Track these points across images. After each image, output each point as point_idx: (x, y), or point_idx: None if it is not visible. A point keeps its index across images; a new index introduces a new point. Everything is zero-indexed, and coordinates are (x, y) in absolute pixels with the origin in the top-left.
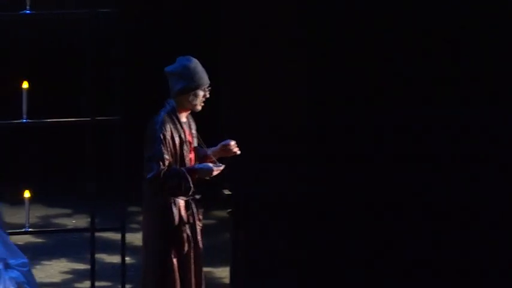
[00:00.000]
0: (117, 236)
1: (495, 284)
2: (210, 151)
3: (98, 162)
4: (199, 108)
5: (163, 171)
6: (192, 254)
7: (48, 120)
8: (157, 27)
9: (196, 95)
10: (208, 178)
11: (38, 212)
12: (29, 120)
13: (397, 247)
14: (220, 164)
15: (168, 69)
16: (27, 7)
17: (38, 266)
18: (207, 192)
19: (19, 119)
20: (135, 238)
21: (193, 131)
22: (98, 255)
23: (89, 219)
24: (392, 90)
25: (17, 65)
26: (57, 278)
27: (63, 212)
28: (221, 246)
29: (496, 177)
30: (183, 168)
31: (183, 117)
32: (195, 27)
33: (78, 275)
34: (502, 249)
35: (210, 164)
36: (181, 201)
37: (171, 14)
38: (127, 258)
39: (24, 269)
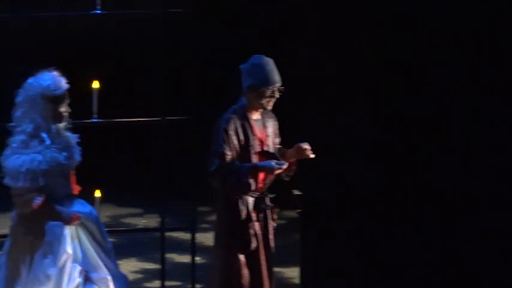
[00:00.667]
0: (187, 236)
1: None
2: (284, 152)
3: (168, 161)
4: (268, 107)
5: (223, 166)
6: (261, 251)
7: (119, 120)
8: (229, 27)
9: (262, 94)
10: (273, 176)
11: (109, 212)
12: (100, 120)
13: (468, 248)
14: (283, 162)
15: (241, 66)
16: (98, 7)
17: None
18: (277, 192)
19: (89, 119)
20: (205, 238)
21: (269, 130)
22: (168, 255)
23: (159, 219)
24: (460, 93)
25: (88, 64)
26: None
27: (133, 212)
28: (291, 246)
29: None
30: (243, 165)
31: (255, 115)
32: (268, 27)
33: (148, 275)
34: None
35: (273, 162)
36: (250, 199)
37: (243, 13)
38: (197, 258)
39: (104, 284)
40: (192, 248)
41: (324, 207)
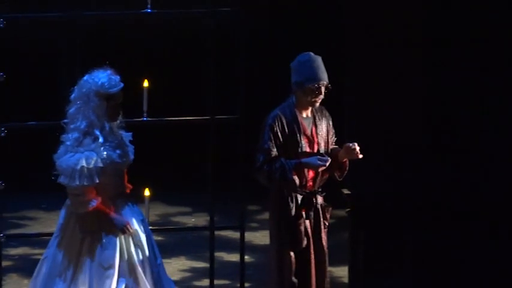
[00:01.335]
0: (236, 235)
1: None
2: (337, 151)
3: (218, 160)
4: (315, 104)
5: (267, 162)
6: (312, 249)
7: (169, 118)
8: (278, 25)
9: (308, 91)
10: (317, 171)
11: (158, 210)
12: (150, 119)
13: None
14: (327, 158)
15: (291, 64)
16: (148, 6)
17: None
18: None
19: (139, 118)
20: (254, 237)
21: (321, 129)
22: (217, 254)
23: (208, 218)
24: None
25: (138, 63)
26: (176, 276)
27: (182, 211)
28: (340, 246)
29: None
30: (288, 161)
31: (304, 112)
32: (317, 25)
33: (197, 273)
34: None
35: (315, 158)
36: (299, 196)
37: (293, 11)
38: (246, 257)
39: None
40: (241, 246)
41: (373, 206)
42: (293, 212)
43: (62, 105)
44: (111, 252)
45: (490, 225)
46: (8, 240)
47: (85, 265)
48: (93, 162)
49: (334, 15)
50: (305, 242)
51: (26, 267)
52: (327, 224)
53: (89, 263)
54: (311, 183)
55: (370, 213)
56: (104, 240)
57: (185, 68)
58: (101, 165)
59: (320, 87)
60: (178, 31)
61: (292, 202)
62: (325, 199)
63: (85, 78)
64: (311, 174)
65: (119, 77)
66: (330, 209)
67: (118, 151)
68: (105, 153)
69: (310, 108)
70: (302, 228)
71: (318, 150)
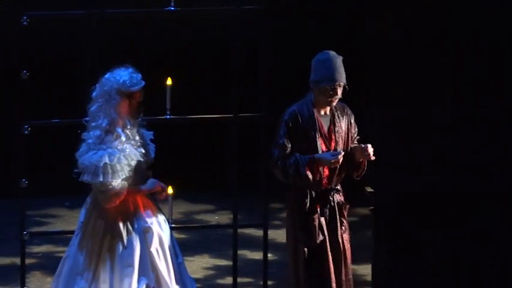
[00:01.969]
0: (259, 233)
1: None
2: (355, 151)
3: (241, 158)
4: (331, 103)
5: (282, 157)
6: (327, 246)
7: (192, 116)
8: (302, 23)
9: (323, 90)
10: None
11: (181, 208)
12: (173, 117)
13: None
14: (340, 152)
15: (312, 61)
16: (172, 4)
17: None
18: (350, 189)
19: (163, 115)
20: (277, 235)
21: (340, 126)
22: (240, 252)
23: (232, 216)
24: None
25: (161, 61)
26: (199, 274)
27: (206, 209)
28: (363, 244)
29: None
30: (302, 156)
31: (322, 110)
32: (341, 24)
33: (221, 271)
34: None
35: (328, 153)
36: (314, 192)
37: (317, 10)
38: (269, 255)
39: None
40: (265, 244)
41: (396, 204)
42: (307, 208)
43: (85, 103)
44: (132, 251)
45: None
46: (31, 238)
47: (106, 264)
48: (116, 159)
49: (357, 13)
50: (320, 239)
51: (49, 265)
52: (344, 221)
53: (109, 261)
54: (327, 180)
55: (393, 211)
56: (124, 239)
57: (209, 65)
58: (124, 161)
59: (335, 88)
60: (201, 29)
61: (307, 198)
62: (345, 197)
63: (107, 76)
64: (326, 171)
65: (140, 75)
66: (348, 206)
67: (140, 149)
68: (128, 150)
69: (328, 106)
70: (316, 224)
71: (335, 148)
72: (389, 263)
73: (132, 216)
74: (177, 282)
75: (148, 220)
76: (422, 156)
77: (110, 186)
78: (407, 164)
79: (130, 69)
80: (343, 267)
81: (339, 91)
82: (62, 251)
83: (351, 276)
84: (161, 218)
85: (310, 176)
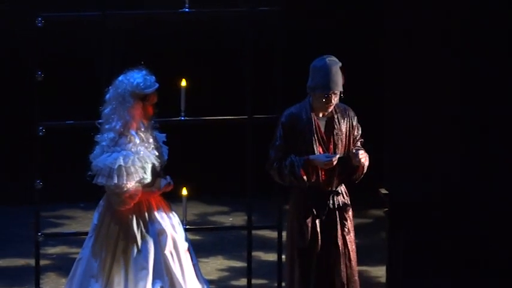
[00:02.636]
0: (273, 234)
1: None
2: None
3: (255, 160)
4: (327, 109)
5: (278, 159)
6: (318, 249)
7: (207, 118)
8: (317, 25)
9: (318, 97)
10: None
11: (195, 210)
12: (187, 118)
13: None
14: (334, 155)
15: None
16: (186, 5)
17: None
18: (364, 191)
19: (177, 117)
20: None
21: (341, 129)
22: (254, 253)
23: (246, 217)
24: None
25: (176, 63)
26: (214, 275)
27: (220, 210)
28: (377, 245)
29: None
30: (297, 158)
31: (321, 112)
32: (356, 26)
33: (235, 273)
34: None
35: (323, 155)
36: (311, 194)
37: (332, 12)
38: (283, 256)
39: None
40: (279, 246)
41: (411, 206)
42: (303, 209)
43: (99, 105)
44: (146, 253)
45: None
46: (46, 239)
47: (120, 267)
48: (130, 161)
49: (373, 17)
50: (311, 241)
51: (64, 266)
52: (346, 223)
53: (123, 264)
54: (326, 182)
55: (408, 212)
56: (138, 242)
57: (223, 67)
58: (138, 164)
59: (330, 96)
60: (216, 30)
61: (304, 200)
62: (351, 199)
63: (120, 78)
64: (324, 172)
65: (154, 78)
66: (350, 209)
67: (153, 151)
68: (142, 152)
69: (323, 111)
70: (309, 226)
71: (334, 150)
72: (403, 265)
73: (145, 218)
74: (191, 285)
75: (162, 222)
76: (438, 157)
77: (125, 189)
78: (422, 165)
79: (144, 72)
80: (344, 270)
81: (334, 99)
82: (77, 252)
83: (356, 278)
84: (175, 220)
85: (305, 177)
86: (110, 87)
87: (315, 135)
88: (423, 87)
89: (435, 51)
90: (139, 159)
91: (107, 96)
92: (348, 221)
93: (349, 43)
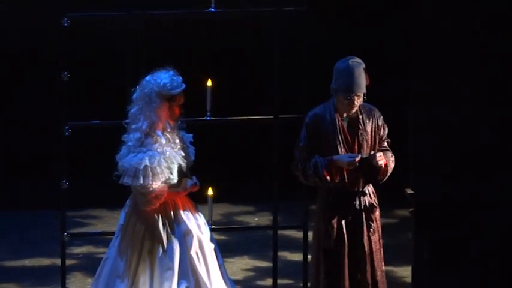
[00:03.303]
0: (299, 234)
1: None
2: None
3: (281, 159)
4: (350, 111)
5: (302, 160)
6: (345, 250)
7: (233, 117)
8: (343, 25)
9: (341, 99)
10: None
11: (221, 210)
12: (213, 118)
13: None
14: (356, 154)
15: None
16: (212, 5)
17: None
18: (390, 191)
19: (203, 117)
20: None
21: (366, 129)
22: (280, 253)
23: (272, 217)
24: None
25: (202, 63)
26: (239, 275)
27: (246, 210)
28: (403, 245)
29: None
30: (321, 158)
31: (345, 113)
32: (382, 26)
33: (261, 273)
34: None
35: (346, 155)
36: (337, 195)
37: (359, 12)
38: (309, 256)
39: None
40: (304, 246)
41: (436, 206)
42: (329, 210)
43: (125, 105)
44: (171, 254)
45: None
46: (71, 239)
47: (146, 267)
48: (156, 161)
49: (398, 17)
50: (337, 242)
51: (90, 266)
52: (372, 224)
53: (149, 264)
54: (351, 183)
55: (434, 213)
56: (164, 242)
57: (249, 67)
58: (164, 164)
59: (352, 99)
60: (242, 30)
61: (329, 201)
62: (378, 200)
63: (147, 78)
64: (348, 173)
65: (181, 78)
66: (377, 210)
67: (180, 152)
68: (168, 153)
69: (347, 111)
70: (334, 226)
71: (359, 151)
72: (429, 265)
73: (171, 219)
74: (217, 285)
75: (188, 223)
76: (464, 157)
77: (151, 189)
78: (448, 165)
79: (171, 72)
80: (369, 270)
81: (357, 100)
82: (103, 252)
83: (379, 278)
84: (201, 220)
85: (328, 178)
86: (137, 87)
87: (339, 136)
88: (450, 87)
89: (464, 51)
90: (165, 160)
91: (134, 96)
92: (374, 222)
93: (374, 44)
